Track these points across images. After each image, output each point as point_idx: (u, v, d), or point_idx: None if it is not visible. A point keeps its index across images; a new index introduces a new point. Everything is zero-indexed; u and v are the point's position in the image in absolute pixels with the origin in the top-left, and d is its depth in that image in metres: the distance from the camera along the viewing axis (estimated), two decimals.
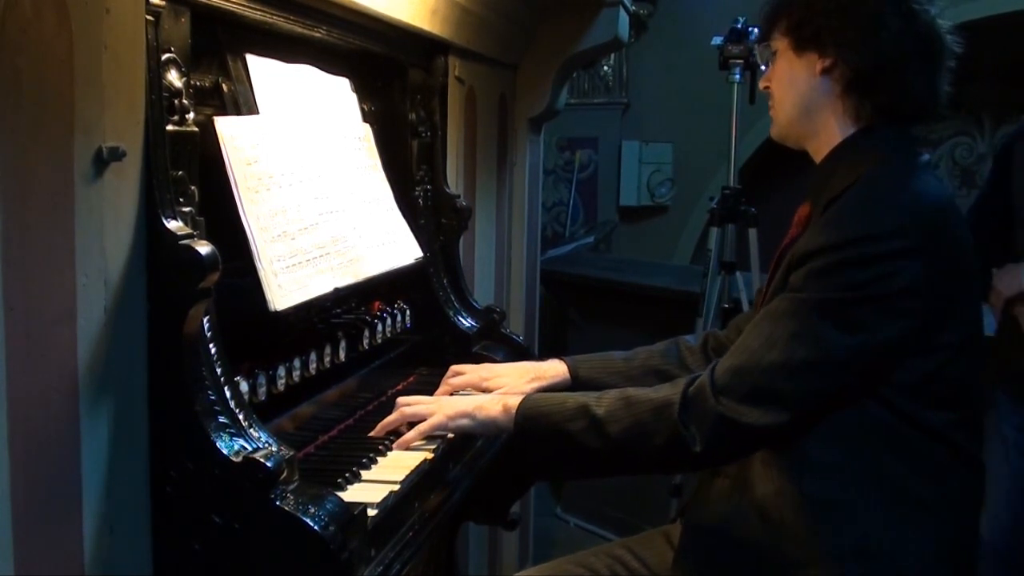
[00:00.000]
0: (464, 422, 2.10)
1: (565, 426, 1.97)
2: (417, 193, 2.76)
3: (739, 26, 4.59)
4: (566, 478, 2.25)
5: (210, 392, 1.60)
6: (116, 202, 1.51)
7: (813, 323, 1.82)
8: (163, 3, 1.61)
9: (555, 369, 2.42)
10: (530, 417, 2.02)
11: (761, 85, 2.13)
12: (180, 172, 1.67)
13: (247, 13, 1.94)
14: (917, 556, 1.88)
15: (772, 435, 1.86)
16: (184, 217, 1.64)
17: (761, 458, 1.94)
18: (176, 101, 1.66)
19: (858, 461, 1.88)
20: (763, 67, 2.12)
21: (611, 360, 2.44)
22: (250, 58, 2.08)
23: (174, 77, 1.66)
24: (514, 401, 2.06)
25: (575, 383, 2.39)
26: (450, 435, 2.14)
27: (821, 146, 2.04)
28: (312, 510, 1.53)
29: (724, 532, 2.02)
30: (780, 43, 2.05)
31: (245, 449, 1.56)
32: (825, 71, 1.98)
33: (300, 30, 2.17)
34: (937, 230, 1.84)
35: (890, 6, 1.95)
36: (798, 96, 2.03)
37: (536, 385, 2.34)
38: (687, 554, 2.08)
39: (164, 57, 1.63)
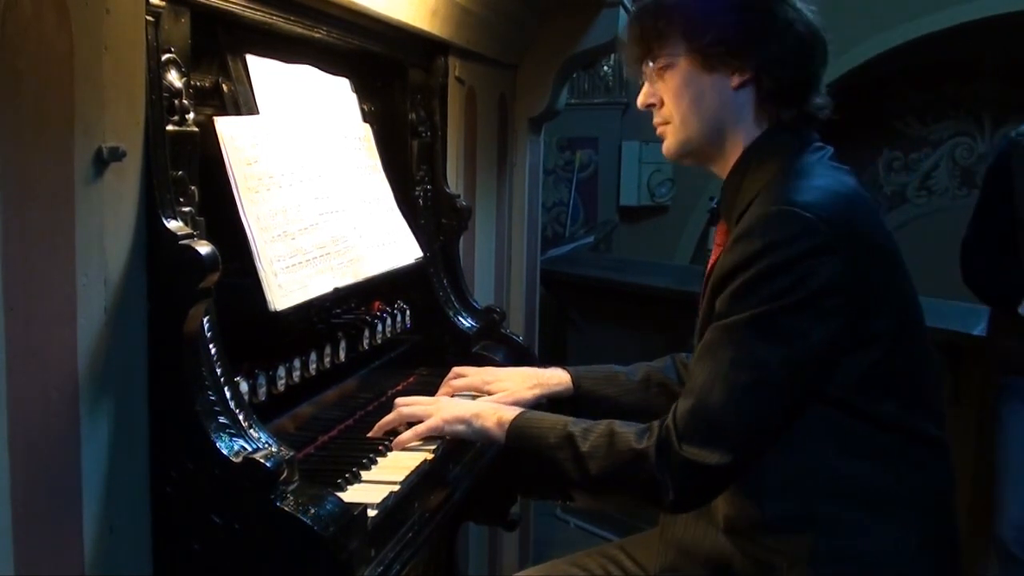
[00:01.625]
0: (460, 428, 2.09)
1: (551, 453, 1.96)
2: (417, 193, 2.76)
3: None
4: (554, 497, 2.22)
5: (210, 392, 1.60)
6: (116, 202, 1.51)
7: (746, 344, 1.80)
8: (163, 3, 1.61)
9: (558, 377, 2.41)
10: (520, 436, 2.02)
11: (643, 103, 2.04)
12: (180, 172, 1.67)
13: (247, 13, 1.94)
14: (896, 551, 1.87)
15: (740, 470, 1.84)
16: (184, 217, 1.64)
17: None
18: (176, 101, 1.66)
19: (813, 473, 1.86)
20: (644, 84, 2.03)
21: (613, 374, 2.45)
22: (250, 58, 2.08)
23: (174, 77, 1.66)
24: (509, 415, 2.05)
25: (577, 392, 2.38)
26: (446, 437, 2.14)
27: (727, 161, 2.00)
28: (312, 511, 1.53)
29: (698, 549, 2.04)
30: (677, 61, 1.95)
31: (245, 449, 1.56)
32: (741, 85, 1.94)
33: (300, 30, 2.17)
34: (845, 221, 1.80)
35: (780, 7, 1.93)
36: (708, 112, 1.97)
37: (537, 392, 2.33)
38: (668, 569, 2.09)
39: (164, 57, 1.63)
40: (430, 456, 2.07)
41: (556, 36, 3.63)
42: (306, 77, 2.30)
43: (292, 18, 2.11)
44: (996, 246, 3.40)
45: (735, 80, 1.93)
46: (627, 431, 1.91)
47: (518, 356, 2.81)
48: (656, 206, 7.03)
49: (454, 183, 2.96)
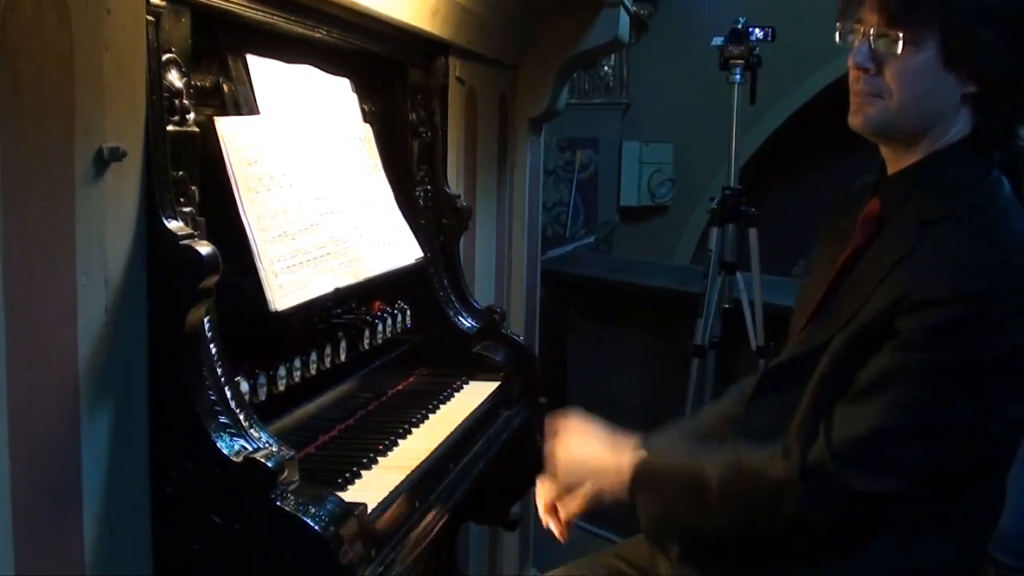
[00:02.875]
0: (595, 499, 2.02)
1: (677, 507, 1.90)
2: (417, 193, 2.76)
3: (739, 27, 4.60)
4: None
5: (210, 392, 1.60)
6: (117, 202, 1.51)
7: (942, 388, 1.69)
8: (164, 3, 1.61)
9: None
10: (645, 490, 1.94)
11: (860, 64, 1.85)
12: (180, 172, 1.67)
13: (247, 13, 1.94)
14: (936, 567, 1.84)
15: (899, 502, 1.76)
16: (184, 217, 1.64)
17: None
18: (176, 101, 1.66)
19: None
20: (867, 45, 1.84)
21: (684, 431, 2.27)
22: (250, 58, 2.08)
23: (175, 77, 1.66)
24: (628, 468, 1.96)
25: None
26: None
27: (910, 153, 1.89)
28: (312, 510, 1.53)
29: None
30: (924, 44, 1.79)
31: (245, 449, 1.56)
32: (970, 96, 1.82)
33: (300, 30, 2.17)
34: None
35: None
36: (929, 109, 1.84)
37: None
38: (689, 554, 2.06)
39: (165, 57, 1.63)
40: (430, 455, 2.07)
41: (556, 36, 3.63)
42: (306, 77, 2.30)
43: (292, 18, 2.11)
44: None
45: (968, 88, 1.81)
46: (755, 458, 1.82)
47: (518, 356, 2.80)
48: (656, 206, 7.03)
49: (454, 183, 2.96)
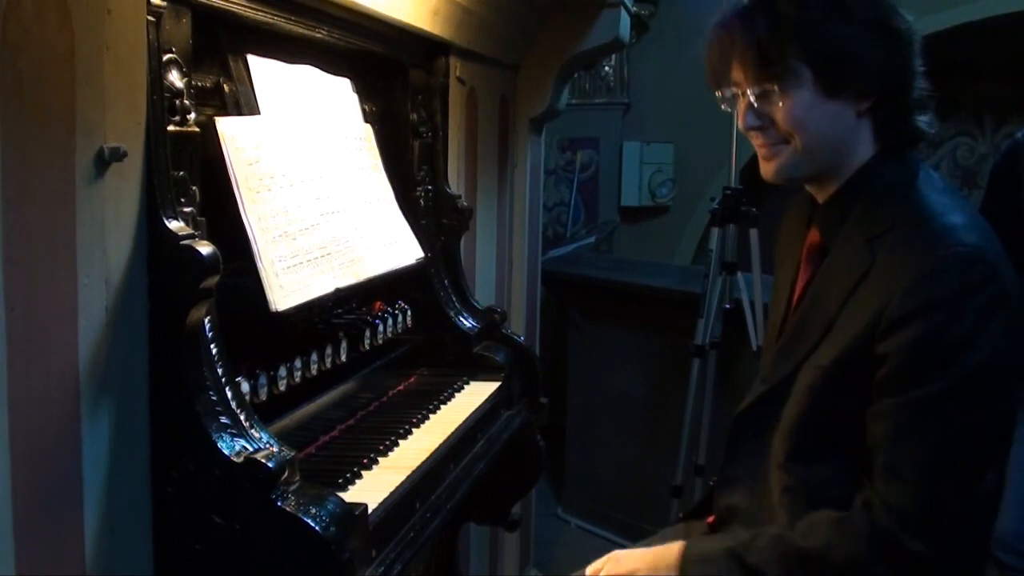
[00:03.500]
0: None
1: None
2: (418, 193, 2.76)
3: None
4: None
5: (211, 392, 1.60)
6: (117, 202, 1.51)
7: (960, 420, 1.68)
8: (164, 4, 1.61)
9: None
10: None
11: (750, 127, 1.88)
12: (181, 172, 1.67)
13: (248, 13, 1.94)
14: None
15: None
16: (185, 217, 1.64)
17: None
18: (177, 101, 1.66)
19: None
20: (751, 106, 1.86)
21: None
22: (251, 58, 2.08)
23: (175, 77, 1.66)
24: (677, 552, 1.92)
25: None
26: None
27: (832, 182, 1.91)
28: (313, 511, 1.53)
29: None
30: (797, 87, 1.81)
31: (246, 449, 1.56)
32: (864, 112, 1.84)
33: (301, 31, 2.17)
34: (1004, 262, 1.74)
35: (896, 19, 1.83)
36: (831, 141, 1.85)
37: None
38: None
39: (165, 58, 1.64)
40: (431, 456, 2.07)
41: (557, 36, 3.63)
42: (307, 77, 2.30)
43: (293, 18, 2.11)
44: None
45: (861, 106, 1.83)
46: (812, 552, 1.76)
47: (519, 356, 2.80)
48: (657, 206, 7.02)
49: (455, 183, 2.96)
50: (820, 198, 1.95)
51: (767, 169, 1.91)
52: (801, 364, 1.85)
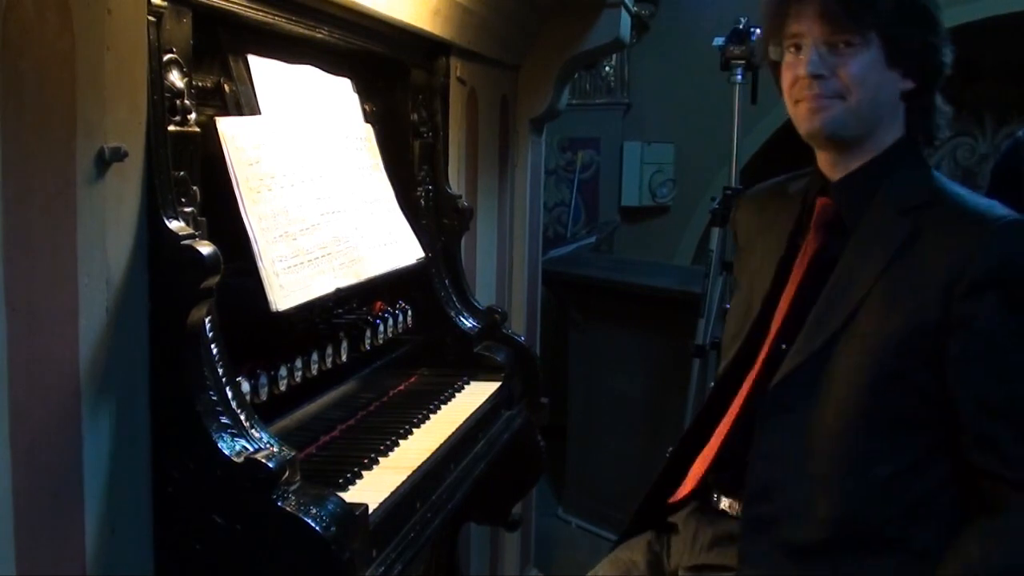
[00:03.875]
0: None
1: None
2: (419, 193, 2.76)
3: (740, 27, 4.59)
4: None
5: (212, 392, 1.60)
6: (118, 202, 1.51)
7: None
8: (165, 4, 1.61)
9: None
10: None
11: (816, 72, 1.94)
12: (182, 172, 1.67)
13: (249, 14, 1.94)
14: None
15: None
16: (186, 217, 1.64)
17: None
18: (178, 101, 1.66)
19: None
20: (816, 53, 1.94)
21: None
22: (252, 58, 2.08)
23: (176, 78, 1.66)
24: None
25: None
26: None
27: (859, 153, 1.99)
28: (314, 511, 1.53)
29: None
30: (870, 44, 1.92)
31: (247, 449, 1.56)
32: (906, 90, 1.97)
33: (302, 31, 2.17)
34: None
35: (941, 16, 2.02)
36: (876, 104, 1.95)
37: None
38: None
39: (166, 58, 1.64)
40: (431, 456, 2.07)
41: (558, 36, 3.63)
42: (308, 77, 2.30)
43: (294, 18, 2.11)
44: None
45: (906, 84, 1.96)
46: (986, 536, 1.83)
47: (519, 356, 2.80)
48: (657, 206, 7.02)
49: (455, 183, 2.96)
50: (838, 172, 2.01)
51: (814, 121, 1.96)
52: (838, 334, 1.90)
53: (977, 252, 1.80)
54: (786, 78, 1.99)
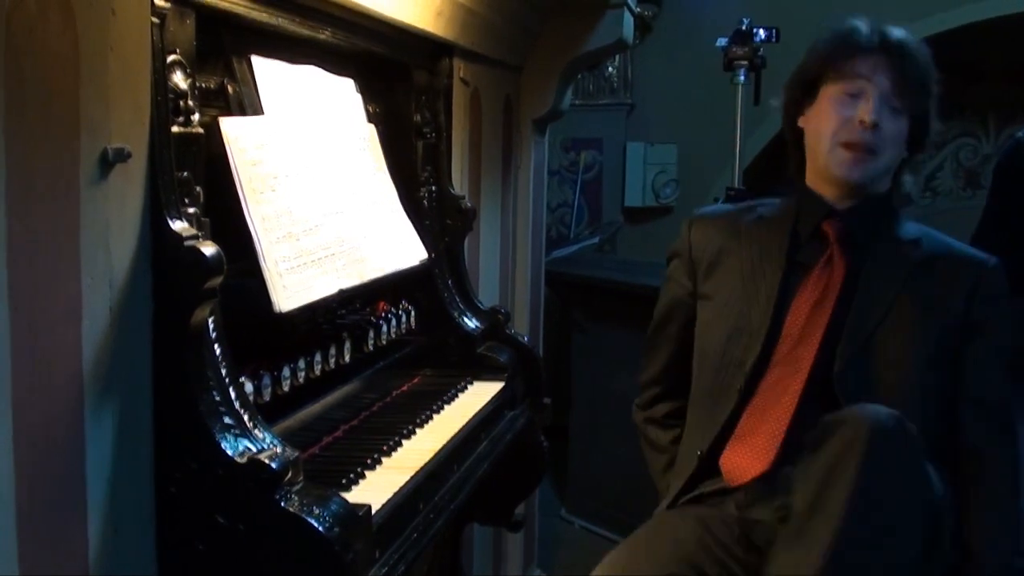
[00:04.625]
0: None
1: None
2: (422, 194, 2.76)
3: (743, 28, 4.60)
4: None
5: (215, 392, 1.60)
6: (121, 203, 1.51)
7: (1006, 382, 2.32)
8: (168, 5, 1.61)
9: None
10: None
11: (876, 122, 2.21)
12: (185, 173, 1.67)
13: (252, 15, 1.94)
14: None
15: None
16: (189, 218, 1.64)
17: None
18: (181, 102, 1.66)
19: None
20: (880, 105, 2.23)
21: None
22: (255, 59, 2.09)
23: (179, 78, 1.66)
24: None
25: None
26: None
27: (863, 193, 2.32)
28: (317, 511, 1.53)
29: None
30: (904, 116, 2.25)
31: (250, 450, 1.56)
32: (901, 162, 2.34)
33: (305, 31, 2.17)
34: None
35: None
36: (892, 164, 2.31)
37: None
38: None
39: (169, 59, 1.63)
40: (434, 457, 2.07)
41: (561, 37, 3.63)
42: (311, 78, 2.31)
43: (297, 19, 2.11)
44: (1006, 246, 3.36)
45: (904, 154, 2.33)
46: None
47: (523, 357, 2.80)
48: (661, 207, 7.01)
49: (459, 184, 2.96)
50: (845, 204, 2.33)
51: (853, 172, 2.26)
52: (875, 331, 2.23)
53: (985, 276, 2.27)
54: (834, 116, 2.24)
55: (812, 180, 2.37)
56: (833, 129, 2.24)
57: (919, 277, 2.26)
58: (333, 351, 2.16)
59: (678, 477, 2.41)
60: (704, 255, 2.49)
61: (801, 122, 2.37)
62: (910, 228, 2.34)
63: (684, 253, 2.56)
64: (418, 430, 2.25)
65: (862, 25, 2.28)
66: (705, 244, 2.49)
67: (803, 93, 2.35)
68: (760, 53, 4.59)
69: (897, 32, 2.28)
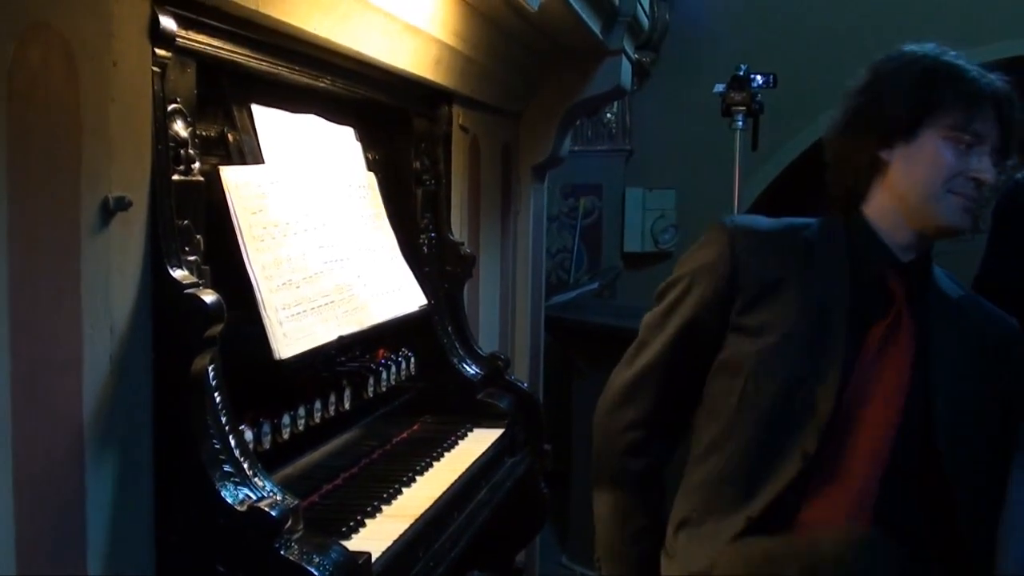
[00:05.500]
0: None
1: None
2: (421, 241, 2.77)
3: (741, 74, 4.63)
4: None
5: (215, 441, 1.60)
6: (122, 251, 1.52)
7: None
8: (169, 55, 1.62)
9: None
10: None
11: (992, 177, 2.12)
12: (186, 221, 1.67)
13: (252, 64, 1.96)
14: None
15: None
16: (189, 266, 1.65)
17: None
18: (182, 151, 1.67)
19: None
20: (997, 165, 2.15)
21: None
22: (255, 108, 2.10)
23: (180, 127, 1.67)
24: None
25: None
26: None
27: (929, 248, 2.20)
28: (316, 559, 1.52)
29: None
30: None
31: (250, 498, 1.56)
32: None
33: (305, 80, 2.19)
34: None
35: None
36: None
37: None
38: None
39: (170, 108, 1.65)
40: (434, 503, 2.06)
41: (559, 84, 3.66)
42: (311, 127, 2.32)
43: (297, 68, 2.13)
44: (1012, 284, 3.34)
45: None
46: None
47: (523, 403, 2.80)
48: (660, 252, 7.03)
49: (458, 231, 2.97)
50: (911, 255, 2.15)
51: (966, 219, 2.13)
52: (942, 389, 2.11)
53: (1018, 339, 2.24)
54: (944, 165, 2.08)
55: (881, 215, 2.15)
56: (944, 177, 2.07)
57: (974, 339, 2.18)
58: (333, 398, 2.16)
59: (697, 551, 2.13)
60: (754, 281, 2.12)
61: (886, 155, 2.11)
62: (939, 276, 2.24)
63: (723, 271, 2.14)
64: (418, 477, 2.24)
65: (970, 69, 2.10)
66: (759, 268, 2.12)
67: (896, 127, 2.10)
68: (758, 99, 4.62)
69: (1001, 84, 2.12)
